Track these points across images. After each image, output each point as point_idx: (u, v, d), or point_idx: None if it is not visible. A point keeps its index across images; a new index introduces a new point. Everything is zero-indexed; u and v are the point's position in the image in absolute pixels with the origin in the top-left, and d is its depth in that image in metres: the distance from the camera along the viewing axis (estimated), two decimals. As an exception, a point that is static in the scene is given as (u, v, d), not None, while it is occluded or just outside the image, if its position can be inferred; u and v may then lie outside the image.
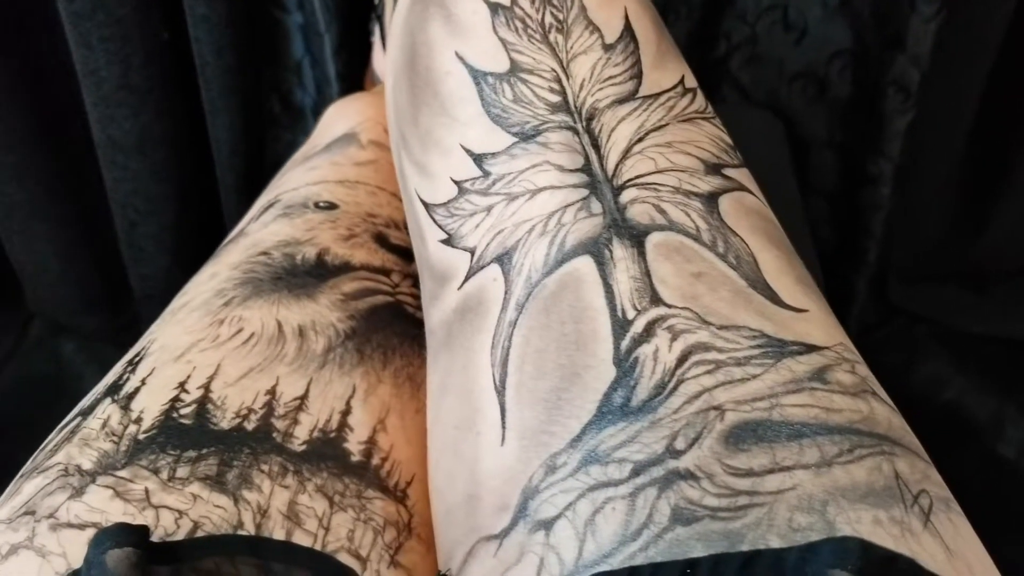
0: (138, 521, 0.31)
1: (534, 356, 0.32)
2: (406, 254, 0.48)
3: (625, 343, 0.30)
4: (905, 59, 0.82)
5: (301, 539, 0.32)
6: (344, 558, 0.33)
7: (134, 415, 0.35)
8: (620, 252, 0.32)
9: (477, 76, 0.38)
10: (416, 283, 0.45)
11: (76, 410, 0.38)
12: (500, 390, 0.32)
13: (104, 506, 0.32)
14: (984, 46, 0.86)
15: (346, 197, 0.51)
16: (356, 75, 0.85)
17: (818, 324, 0.32)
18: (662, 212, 0.33)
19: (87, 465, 0.34)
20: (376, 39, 0.82)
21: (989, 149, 0.92)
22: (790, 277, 0.33)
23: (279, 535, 0.32)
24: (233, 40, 0.83)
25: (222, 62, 0.84)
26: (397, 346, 0.42)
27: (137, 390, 0.37)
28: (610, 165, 0.35)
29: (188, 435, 0.34)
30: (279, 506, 0.33)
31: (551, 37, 0.38)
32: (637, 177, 0.35)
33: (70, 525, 0.31)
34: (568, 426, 0.29)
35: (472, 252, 0.36)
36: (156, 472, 0.33)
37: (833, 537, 0.24)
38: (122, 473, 0.33)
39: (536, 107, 0.37)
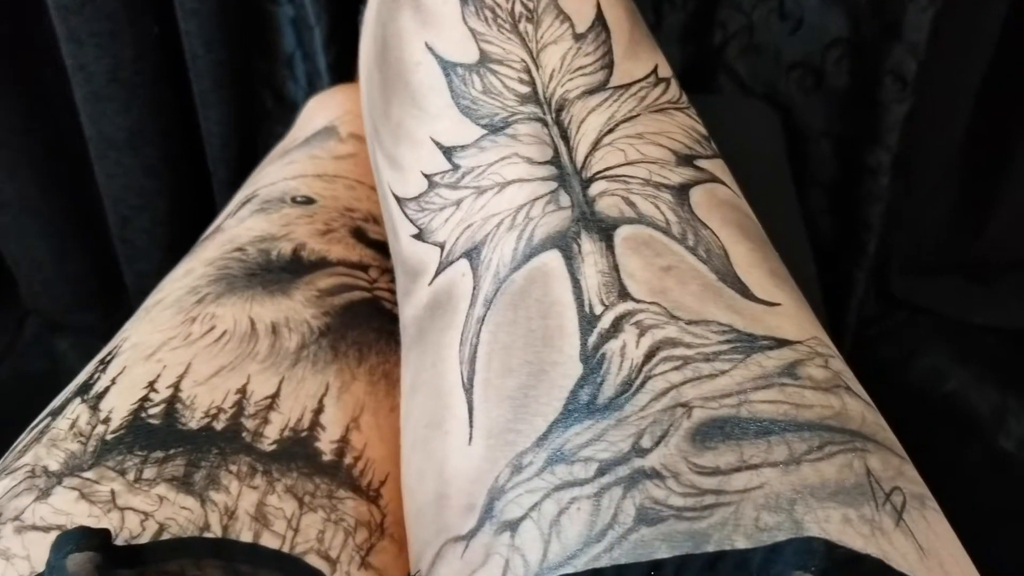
0: (103, 523, 0.31)
1: (501, 353, 0.31)
2: (385, 249, 0.47)
3: (592, 339, 0.30)
4: (902, 48, 0.81)
5: (269, 541, 0.32)
6: (313, 559, 0.32)
7: (103, 415, 0.35)
8: (588, 246, 0.32)
9: (446, 67, 0.37)
10: (395, 278, 0.44)
11: (47, 410, 0.38)
12: (468, 388, 0.31)
13: (69, 508, 0.31)
14: (983, 34, 0.85)
15: (324, 191, 0.50)
16: (347, 68, 0.85)
17: (790, 318, 0.31)
18: (631, 205, 0.33)
19: (54, 466, 0.33)
20: (365, 31, 0.81)
21: (989, 139, 0.91)
22: (762, 270, 0.33)
23: (246, 537, 0.31)
24: (223, 33, 0.83)
25: (213, 56, 0.83)
26: (373, 343, 0.41)
27: (107, 390, 0.36)
28: (579, 157, 0.34)
29: (156, 435, 0.34)
30: (247, 507, 0.32)
31: (521, 27, 0.37)
32: (606, 169, 0.34)
33: (35, 527, 0.31)
34: (534, 424, 0.29)
35: (442, 247, 0.35)
36: (123, 473, 0.32)
37: (797, 537, 0.24)
38: (88, 474, 0.33)
39: (505, 98, 0.36)
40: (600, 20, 0.38)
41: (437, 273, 0.35)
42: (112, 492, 0.32)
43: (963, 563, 0.27)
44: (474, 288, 0.33)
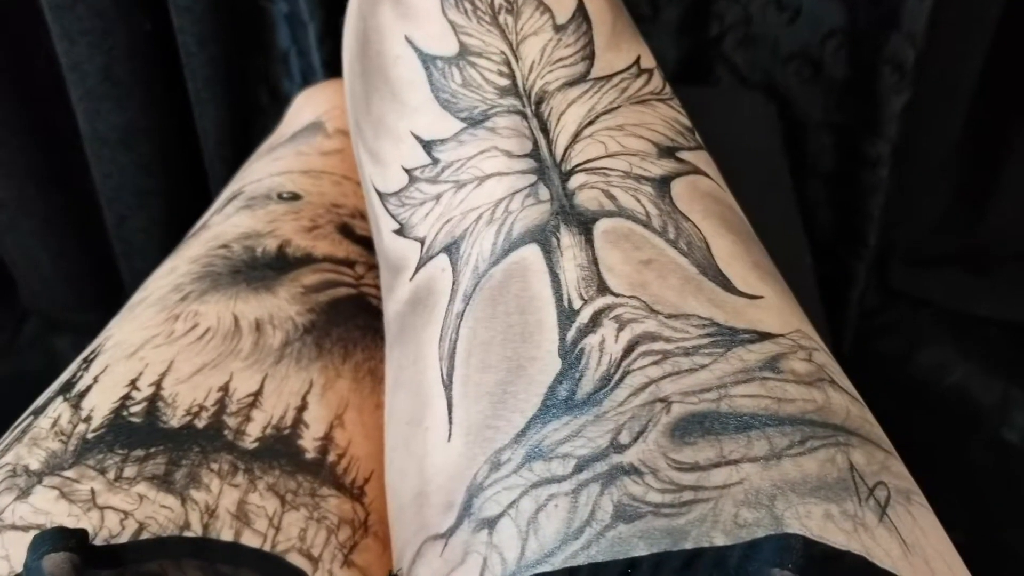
0: (83, 522, 0.31)
1: (480, 348, 0.31)
2: (372, 245, 0.47)
3: (571, 334, 0.29)
4: (900, 37, 0.80)
5: (250, 539, 0.31)
6: (295, 558, 0.32)
7: (84, 414, 0.35)
8: (567, 240, 0.31)
9: (426, 60, 0.37)
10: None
11: (30, 409, 0.38)
12: (447, 384, 0.31)
13: (49, 507, 0.31)
14: (981, 23, 0.84)
15: (311, 187, 0.50)
16: (341, 64, 0.85)
17: (773, 311, 0.31)
18: (611, 197, 0.32)
19: (35, 465, 0.33)
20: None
21: (989, 129, 0.91)
22: (745, 263, 0.32)
23: (227, 536, 0.31)
24: (217, 30, 0.83)
25: (206, 53, 0.83)
26: (359, 339, 0.41)
27: (89, 388, 0.36)
28: (559, 150, 0.34)
29: (137, 434, 0.34)
30: (228, 506, 0.32)
31: (501, 18, 0.37)
32: (586, 162, 0.33)
33: (14, 527, 0.31)
34: (513, 421, 0.28)
35: (422, 242, 0.35)
36: (103, 472, 0.32)
37: (775, 534, 0.23)
38: (69, 473, 0.32)
39: (485, 91, 0.36)
40: (581, 11, 0.38)
41: (418, 268, 0.35)
42: (92, 491, 0.32)
43: (949, 558, 0.27)
44: (453, 283, 0.33)
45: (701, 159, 0.36)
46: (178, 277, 0.42)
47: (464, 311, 0.32)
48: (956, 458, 0.89)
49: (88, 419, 0.34)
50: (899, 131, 0.85)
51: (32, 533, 0.30)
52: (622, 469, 0.26)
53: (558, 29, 0.37)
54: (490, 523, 0.27)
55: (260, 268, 0.43)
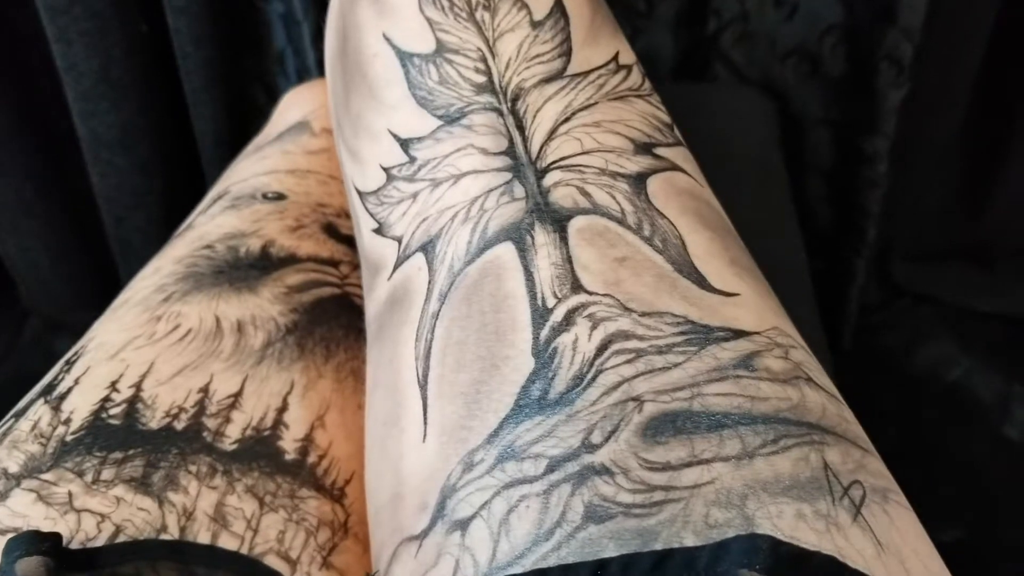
0: (59, 525, 0.31)
1: (455, 348, 0.30)
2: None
3: (544, 332, 0.29)
4: (897, 32, 0.80)
5: (227, 542, 0.31)
6: (272, 560, 0.32)
7: (64, 416, 0.35)
8: (542, 238, 0.31)
9: (403, 57, 0.37)
10: None
11: (12, 411, 0.37)
12: (423, 384, 0.31)
13: (26, 510, 0.31)
14: (980, 16, 0.83)
15: (296, 187, 0.50)
16: (331, 63, 0.85)
17: (749, 308, 0.30)
18: (586, 195, 0.32)
19: (13, 468, 0.33)
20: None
21: (989, 123, 0.90)
22: (722, 260, 0.32)
23: (204, 538, 0.31)
24: (212, 30, 0.83)
25: (202, 53, 0.83)
26: (341, 339, 0.41)
27: (70, 390, 0.36)
28: (534, 147, 0.34)
29: (116, 436, 0.34)
30: (206, 508, 0.32)
31: (478, 15, 0.37)
32: (562, 159, 0.33)
33: None
34: (486, 421, 0.28)
35: (400, 241, 0.35)
36: (81, 475, 0.32)
37: (743, 535, 0.23)
38: (47, 476, 0.32)
39: (461, 88, 0.35)
40: (559, 7, 0.37)
41: (395, 268, 0.35)
42: (69, 494, 0.31)
43: (927, 558, 0.26)
44: (429, 282, 0.33)
45: (679, 155, 0.35)
46: (162, 278, 0.42)
47: (440, 310, 0.32)
48: (957, 454, 0.88)
49: (68, 421, 0.34)
50: (897, 127, 0.84)
51: (8, 536, 0.30)
52: (593, 469, 0.26)
53: (535, 25, 0.37)
54: (463, 525, 0.27)
55: (243, 268, 0.43)
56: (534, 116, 0.34)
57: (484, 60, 0.36)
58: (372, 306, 0.37)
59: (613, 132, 0.34)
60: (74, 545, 0.30)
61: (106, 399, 0.35)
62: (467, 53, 0.36)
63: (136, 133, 0.87)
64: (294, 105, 0.61)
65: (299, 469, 0.35)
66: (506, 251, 0.31)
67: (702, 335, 0.28)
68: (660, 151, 0.35)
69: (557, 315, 0.29)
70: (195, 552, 0.31)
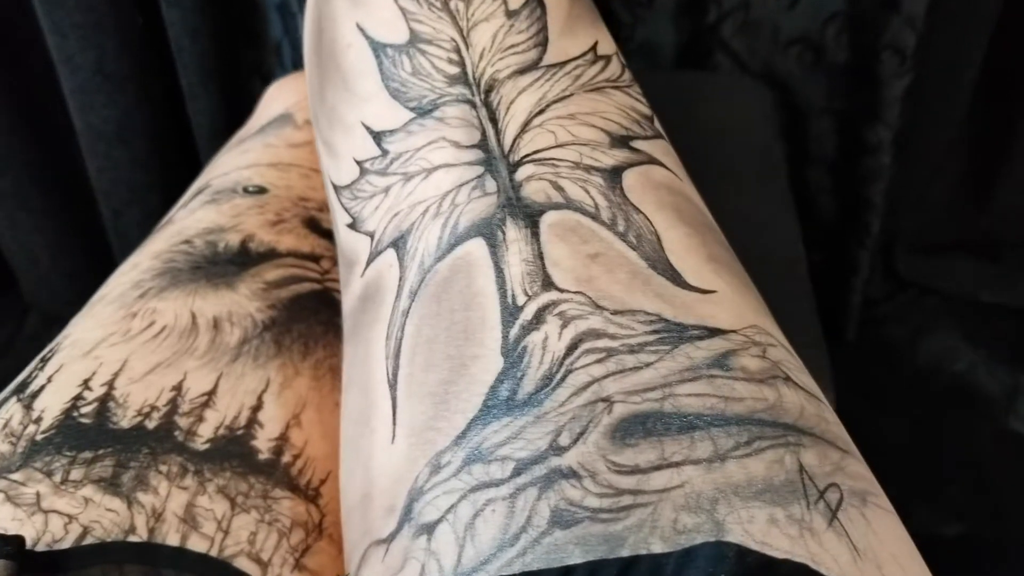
0: (26, 526, 0.30)
1: (425, 347, 0.30)
2: None
3: (514, 331, 0.28)
4: (900, 20, 0.79)
5: (196, 543, 0.31)
6: (242, 562, 0.31)
7: (35, 415, 0.34)
8: (513, 233, 0.30)
9: (377, 48, 0.36)
10: None
11: None
12: (392, 384, 0.30)
13: None
14: (984, 5, 0.82)
15: (277, 180, 0.49)
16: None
17: (726, 305, 0.29)
18: (559, 189, 0.31)
19: None
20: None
21: (994, 114, 0.89)
22: (699, 256, 0.31)
23: (173, 539, 0.31)
24: (208, 23, 0.82)
25: (198, 46, 0.83)
26: (320, 336, 0.40)
27: (42, 388, 0.36)
28: (507, 140, 0.33)
29: (86, 435, 0.33)
30: (175, 509, 0.31)
31: (452, 4, 0.36)
32: (535, 152, 0.32)
33: None
34: (454, 422, 0.27)
35: (372, 236, 0.34)
36: (49, 475, 0.32)
37: (708, 542, 0.22)
38: (15, 476, 0.32)
39: (434, 80, 0.35)
40: None
41: (368, 264, 0.34)
42: (38, 494, 0.31)
43: (907, 563, 0.25)
44: (400, 279, 0.32)
45: (658, 148, 0.34)
46: (139, 273, 0.42)
47: (410, 308, 0.31)
48: (962, 447, 0.87)
49: (39, 420, 0.34)
50: (900, 116, 0.83)
51: None
52: (560, 472, 0.25)
53: (510, 15, 0.36)
54: (429, 528, 0.26)
55: (222, 264, 0.42)
56: (507, 108, 0.34)
57: (458, 51, 0.35)
58: (347, 302, 0.36)
59: (588, 124, 0.33)
60: (40, 547, 0.30)
61: (78, 397, 0.35)
62: (440, 43, 0.35)
63: (133, 127, 0.87)
64: (278, 97, 0.61)
65: (273, 469, 0.34)
66: (477, 247, 0.30)
67: (675, 334, 0.27)
68: (638, 144, 0.34)
69: (527, 313, 0.28)
70: (163, 554, 0.30)
